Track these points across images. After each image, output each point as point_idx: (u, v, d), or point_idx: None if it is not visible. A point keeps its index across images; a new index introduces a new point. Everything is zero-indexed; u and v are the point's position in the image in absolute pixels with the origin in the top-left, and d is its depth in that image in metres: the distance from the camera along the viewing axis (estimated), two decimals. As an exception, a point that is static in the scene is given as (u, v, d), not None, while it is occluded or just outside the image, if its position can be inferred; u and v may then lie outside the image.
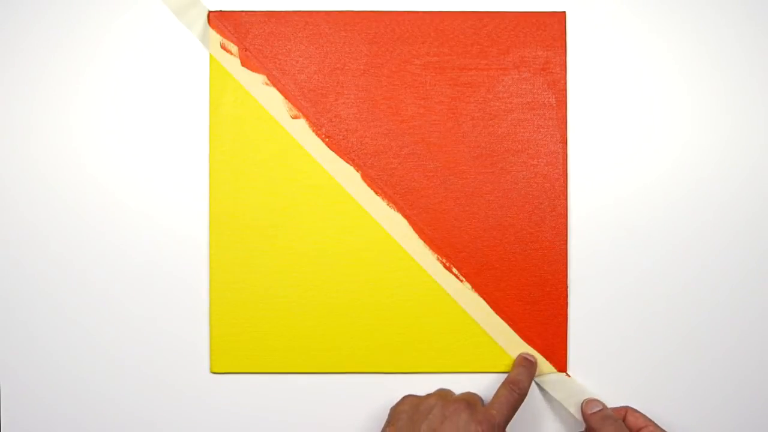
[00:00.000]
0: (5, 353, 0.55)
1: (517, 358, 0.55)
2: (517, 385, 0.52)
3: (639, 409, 0.54)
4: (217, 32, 0.55)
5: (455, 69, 0.55)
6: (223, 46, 0.55)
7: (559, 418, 0.55)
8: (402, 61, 0.55)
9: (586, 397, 0.54)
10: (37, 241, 0.55)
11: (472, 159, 0.55)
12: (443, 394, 0.52)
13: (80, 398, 0.55)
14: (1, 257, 0.55)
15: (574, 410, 0.54)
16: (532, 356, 0.55)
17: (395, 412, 0.51)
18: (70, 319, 0.55)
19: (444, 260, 0.55)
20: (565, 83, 0.55)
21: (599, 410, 0.52)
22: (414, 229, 0.55)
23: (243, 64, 0.55)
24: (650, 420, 0.52)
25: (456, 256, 0.55)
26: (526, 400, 0.55)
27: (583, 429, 0.54)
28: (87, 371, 0.55)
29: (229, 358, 0.55)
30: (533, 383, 0.55)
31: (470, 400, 0.51)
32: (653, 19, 0.56)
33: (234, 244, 0.55)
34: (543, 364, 0.55)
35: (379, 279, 0.55)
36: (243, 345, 0.55)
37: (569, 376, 0.55)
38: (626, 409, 0.53)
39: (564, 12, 0.56)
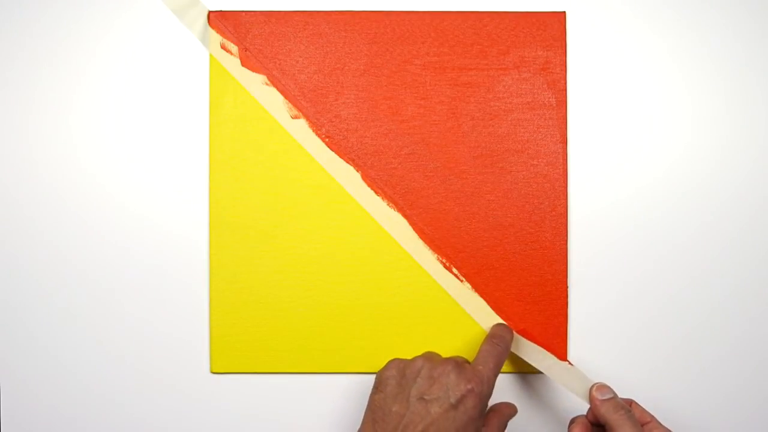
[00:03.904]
0: (5, 353, 0.55)
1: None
2: (500, 338, 0.52)
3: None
4: (217, 32, 0.55)
5: (455, 69, 0.55)
6: (223, 46, 0.55)
7: (559, 406, 0.55)
8: (402, 61, 0.55)
9: (589, 383, 0.52)
10: (37, 242, 0.55)
11: (472, 159, 0.55)
12: (429, 356, 0.51)
13: (80, 398, 0.55)
14: (1, 257, 0.55)
15: (581, 394, 0.52)
16: None
17: (382, 377, 0.50)
18: (70, 318, 0.55)
19: (444, 260, 0.55)
20: (565, 83, 0.55)
21: (611, 398, 0.50)
22: (414, 229, 0.55)
23: (243, 64, 0.55)
24: (653, 416, 0.51)
25: (456, 256, 0.55)
26: (525, 390, 0.55)
27: (586, 414, 0.52)
28: (87, 371, 0.55)
29: (229, 358, 0.55)
30: (536, 373, 0.55)
31: (457, 360, 0.50)
32: (653, 19, 0.56)
33: (234, 245, 0.55)
34: (546, 356, 0.54)
35: (379, 279, 0.55)
36: (243, 345, 0.55)
37: (571, 364, 0.54)
38: (630, 402, 0.52)
39: (564, 12, 0.56)
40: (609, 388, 0.51)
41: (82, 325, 0.55)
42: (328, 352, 0.55)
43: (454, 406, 0.47)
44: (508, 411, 0.54)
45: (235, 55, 0.55)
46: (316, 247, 0.55)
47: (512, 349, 0.54)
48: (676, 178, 0.56)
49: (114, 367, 0.55)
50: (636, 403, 0.52)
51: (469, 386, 0.48)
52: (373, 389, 0.50)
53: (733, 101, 0.56)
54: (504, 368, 0.55)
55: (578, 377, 0.53)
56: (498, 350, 0.51)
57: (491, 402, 0.52)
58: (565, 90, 0.55)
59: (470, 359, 0.54)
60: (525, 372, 0.55)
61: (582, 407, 0.53)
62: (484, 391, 0.49)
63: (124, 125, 0.56)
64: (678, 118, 0.56)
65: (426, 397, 0.48)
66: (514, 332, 0.54)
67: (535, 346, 0.54)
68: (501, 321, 0.55)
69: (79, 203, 0.56)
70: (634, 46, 0.56)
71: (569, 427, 0.52)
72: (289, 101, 0.55)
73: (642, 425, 0.50)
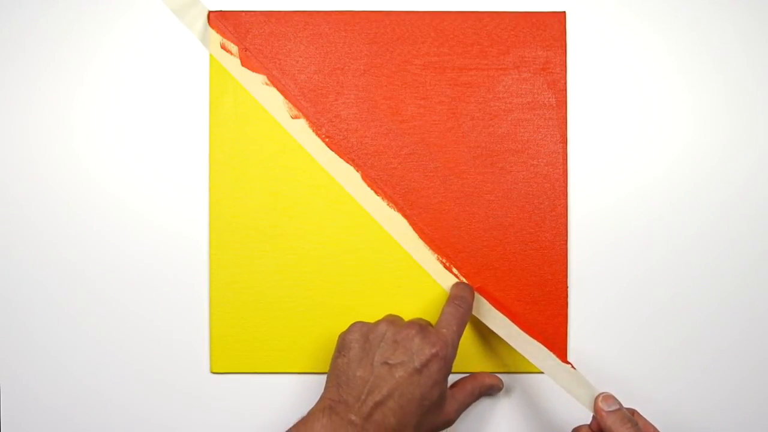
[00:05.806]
0: (5, 353, 0.55)
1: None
2: (462, 299, 0.52)
3: (640, 410, 0.52)
4: (217, 32, 0.55)
5: (455, 69, 0.55)
6: (223, 46, 0.55)
7: (560, 409, 0.55)
8: (402, 61, 0.55)
9: (592, 390, 0.51)
10: (37, 241, 0.55)
11: (472, 159, 0.55)
12: (393, 320, 0.51)
13: (80, 398, 0.55)
14: (1, 257, 0.55)
15: (585, 402, 0.51)
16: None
17: (345, 340, 0.50)
18: (70, 319, 0.55)
19: (444, 260, 0.55)
20: (565, 83, 0.55)
21: (617, 409, 0.49)
22: (414, 229, 0.55)
23: (243, 64, 0.55)
24: (656, 428, 0.50)
25: (456, 256, 0.55)
26: (526, 392, 0.55)
27: (589, 424, 0.51)
28: (87, 371, 0.55)
29: (229, 358, 0.55)
30: (536, 373, 0.54)
31: (421, 324, 0.50)
32: (653, 19, 0.56)
33: (234, 244, 0.55)
34: (547, 355, 0.54)
35: (379, 279, 0.55)
36: (243, 345, 0.55)
37: (574, 368, 0.54)
38: (633, 412, 0.51)
39: (564, 12, 0.56)
40: (615, 398, 0.50)
41: (83, 325, 0.55)
42: (328, 352, 0.55)
43: (419, 371, 0.48)
44: (488, 381, 0.54)
45: (235, 55, 0.55)
46: (316, 247, 0.55)
47: (510, 341, 0.54)
48: (676, 177, 0.56)
49: (114, 367, 0.55)
50: (638, 413, 0.51)
51: (433, 350, 0.48)
52: (335, 352, 0.50)
53: (733, 101, 0.56)
54: (504, 368, 0.55)
55: (581, 383, 0.52)
56: (460, 312, 0.51)
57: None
58: (565, 90, 0.55)
59: (470, 359, 0.54)
60: (525, 372, 0.55)
61: (583, 410, 0.53)
62: (448, 354, 0.49)
63: (125, 125, 0.56)
64: (678, 118, 0.56)
65: (390, 361, 0.48)
66: (475, 291, 0.54)
67: (537, 343, 0.54)
68: (461, 280, 0.55)
69: (79, 203, 0.56)
70: (634, 46, 0.56)
71: None
72: (289, 101, 0.55)
73: None
